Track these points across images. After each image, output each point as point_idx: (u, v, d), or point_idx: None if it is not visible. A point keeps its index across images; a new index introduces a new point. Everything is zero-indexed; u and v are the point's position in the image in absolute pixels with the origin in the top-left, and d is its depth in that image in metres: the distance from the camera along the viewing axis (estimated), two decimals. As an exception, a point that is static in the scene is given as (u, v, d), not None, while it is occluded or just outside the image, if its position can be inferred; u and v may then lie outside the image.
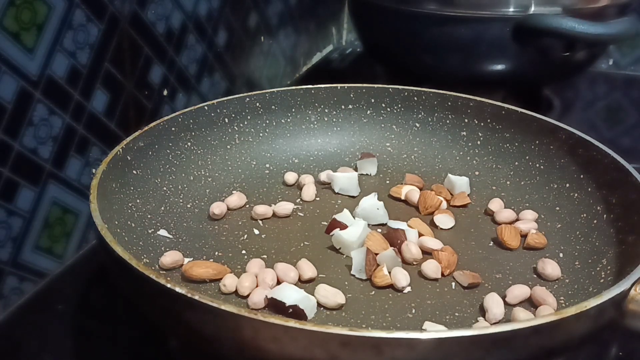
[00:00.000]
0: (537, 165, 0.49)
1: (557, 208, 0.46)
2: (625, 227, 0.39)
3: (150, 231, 0.42)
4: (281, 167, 0.53)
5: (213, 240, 0.44)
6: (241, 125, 0.53)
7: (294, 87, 0.54)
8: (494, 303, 0.37)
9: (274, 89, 0.54)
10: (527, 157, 0.50)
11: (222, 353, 0.30)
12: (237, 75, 0.68)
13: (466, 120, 0.53)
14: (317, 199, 0.49)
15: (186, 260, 0.41)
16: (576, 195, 0.45)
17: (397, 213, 0.47)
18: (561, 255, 0.42)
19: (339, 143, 0.55)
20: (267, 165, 0.53)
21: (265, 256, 0.42)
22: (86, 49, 0.46)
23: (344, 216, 0.44)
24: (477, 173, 0.52)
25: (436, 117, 0.54)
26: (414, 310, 0.38)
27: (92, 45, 0.46)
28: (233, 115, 0.52)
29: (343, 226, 0.43)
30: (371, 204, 0.46)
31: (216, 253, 0.42)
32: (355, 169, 0.53)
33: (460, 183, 0.50)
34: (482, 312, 0.37)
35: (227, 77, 0.66)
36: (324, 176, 0.51)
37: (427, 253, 0.42)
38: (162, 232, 0.43)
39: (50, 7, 0.42)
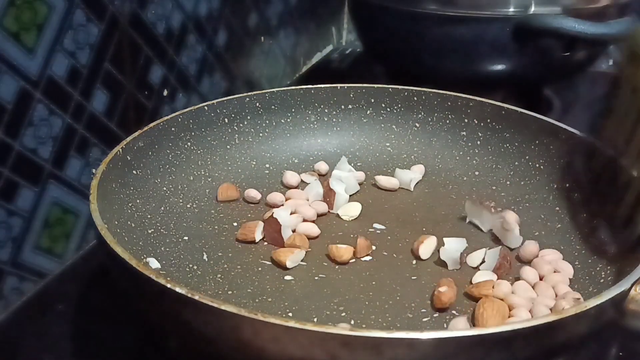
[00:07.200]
0: (537, 165, 0.49)
1: (557, 208, 0.46)
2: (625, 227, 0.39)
3: (150, 231, 0.42)
4: (281, 167, 0.52)
5: (213, 240, 0.44)
6: (241, 125, 0.53)
7: (294, 87, 0.54)
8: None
9: (274, 89, 0.54)
10: (527, 157, 0.50)
11: (222, 353, 0.30)
12: (237, 75, 0.68)
13: (466, 120, 0.53)
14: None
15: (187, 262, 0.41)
16: (576, 195, 0.45)
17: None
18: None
19: (339, 143, 0.55)
20: (267, 165, 0.53)
21: (263, 256, 0.42)
22: (86, 49, 0.46)
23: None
24: (477, 173, 0.52)
25: (436, 117, 0.54)
26: (414, 310, 0.38)
27: (92, 45, 0.46)
28: (233, 115, 0.52)
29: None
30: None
31: (217, 253, 0.42)
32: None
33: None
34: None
35: (227, 77, 0.66)
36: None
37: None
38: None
39: (50, 7, 0.42)
